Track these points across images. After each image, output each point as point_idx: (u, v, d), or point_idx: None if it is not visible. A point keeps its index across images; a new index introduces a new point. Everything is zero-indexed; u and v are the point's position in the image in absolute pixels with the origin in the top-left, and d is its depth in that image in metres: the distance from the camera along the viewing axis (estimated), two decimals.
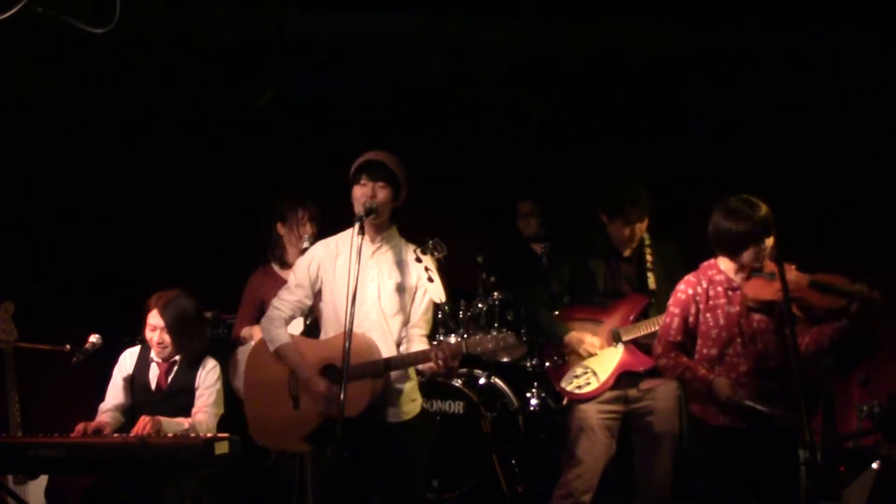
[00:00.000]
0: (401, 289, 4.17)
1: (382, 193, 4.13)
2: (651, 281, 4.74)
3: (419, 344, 4.18)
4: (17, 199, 5.92)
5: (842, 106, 5.88)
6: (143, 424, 4.39)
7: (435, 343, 4.30)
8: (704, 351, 4.14)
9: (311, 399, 4.13)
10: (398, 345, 4.19)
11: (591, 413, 4.73)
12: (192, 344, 4.70)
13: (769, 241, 4.03)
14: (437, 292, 4.18)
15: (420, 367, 4.17)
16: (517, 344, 4.08)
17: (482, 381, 5.92)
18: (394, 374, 4.14)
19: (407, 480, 4.18)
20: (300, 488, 4.89)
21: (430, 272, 4.16)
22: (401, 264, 4.20)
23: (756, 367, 4.06)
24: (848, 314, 3.94)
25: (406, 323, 4.20)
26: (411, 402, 4.23)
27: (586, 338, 4.74)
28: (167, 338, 4.64)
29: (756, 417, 4.02)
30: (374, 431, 4.11)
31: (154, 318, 4.64)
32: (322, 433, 4.07)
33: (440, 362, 3.95)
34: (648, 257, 4.78)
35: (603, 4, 5.48)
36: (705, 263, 4.23)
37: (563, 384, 4.81)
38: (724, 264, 4.16)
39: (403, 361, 4.10)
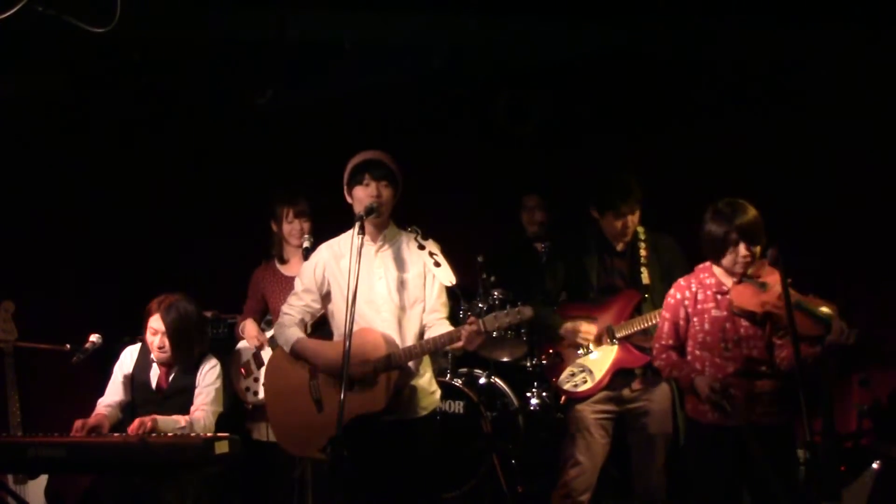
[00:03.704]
0: (411, 280, 4.20)
1: (386, 192, 4.17)
2: (645, 276, 4.72)
3: (440, 328, 4.19)
4: (16, 199, 5.91)
5: (843, 106, 5.87)
6: (139, 425, 4.38)
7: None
8: (697, 352, 4.17)
9: (335, 402, 4.12)
10: (422, 335, 4.21)
11: (587, 413, 4.73)
12: (191, 350, 4.69)
13: (747, 248, 4.01)
14: (446, 276, 4.20)
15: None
16: (532, 315, 4.12)
17: (482, 380, 5.92)
18: (412, 368, 4.17)
19: (425, 473, 4.20)
20: (300, 488, 4.90)
21: (435, 256, 4.19)
22: (405, 257, 4.23)
23: (744, 369, 4.08)
24: (822, 344, 3.94)
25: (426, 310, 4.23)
26: (430, 395, 4.26)
27: (581, 325, 4.73)
28: (167, 342, 4.63)
29: (746, 415, 4.04)
30: (395, 429, 4.13)
31: (156, 322, 4.63)
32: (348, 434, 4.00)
33: (465, 336, 4.01)
34: (643, 252, 4.76)
35: (603, 4, 5.48)
36: (699, 266, 4.24)
37: (559, 383, 4.82)
38: (717, 268, 4.17)
39: (418, 351, 4.11)
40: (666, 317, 4.23)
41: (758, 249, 4.04)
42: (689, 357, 4.18)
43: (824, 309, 3.95)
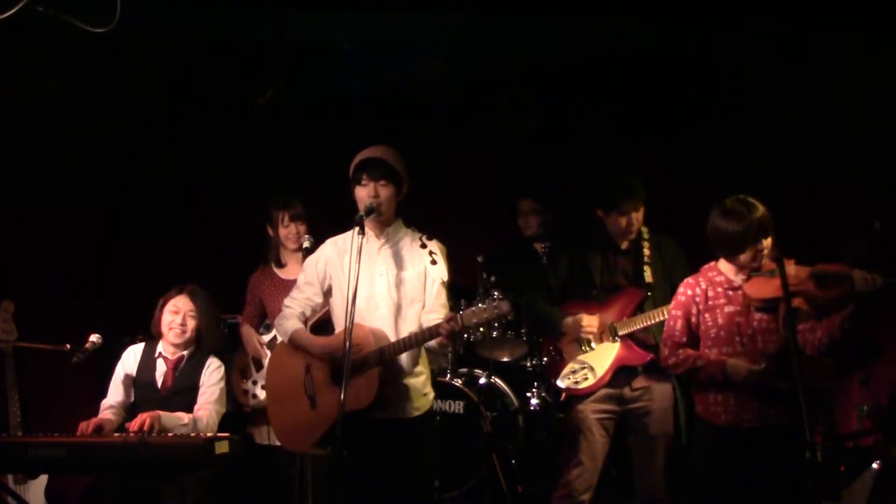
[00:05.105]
0: (411, 278, 4.20)
1: (385, 191, 4.17)
2: (648, 274, 4.73)
3: None
4: (17, 199, 5.92)
5: (842, 105, 5.88)
6: (142, 421, 4.38)
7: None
8: (707, 351, 4.16)
9: (326, 398, 4.14)
10: None
11: (588, 413, 4.73)
12: (212, 335, 4.72)
13: (766, 242, 4.03)
14: (439, 273, 4.21)
15: (430, 344, 4.14)
16: (510, 310, 4.05)
17: (482, 380, 5.92)
18: (405, 367, 4.16)
19: (420, 475, 4.20)
20: (300, 488, 4.90)
21: (434, 255, 4.20)
22: (408, 255, 4.24)
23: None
24: (852, 296, 3.90)
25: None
26: (423, 396, 4.24)
27: (584, 319, 4.73)
28: (191, 322, 4.66)
29: (761, 416, 4.03)
30: (387, 428, 4.12)
31: (181, 302, 4.67)
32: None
33: (444, 332, 3.97)
34: (646, 251, 4.77)
35: (603, 4, 5.48)
36: (705, 266, 4.24)
37: (560, 380, 4.81)
38: (724, 266, 4.18)
39: (400, 346, 4.10)
40: (677, 314, 4.22)
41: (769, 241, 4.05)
42: None
43: (839, 268, 3.94)
